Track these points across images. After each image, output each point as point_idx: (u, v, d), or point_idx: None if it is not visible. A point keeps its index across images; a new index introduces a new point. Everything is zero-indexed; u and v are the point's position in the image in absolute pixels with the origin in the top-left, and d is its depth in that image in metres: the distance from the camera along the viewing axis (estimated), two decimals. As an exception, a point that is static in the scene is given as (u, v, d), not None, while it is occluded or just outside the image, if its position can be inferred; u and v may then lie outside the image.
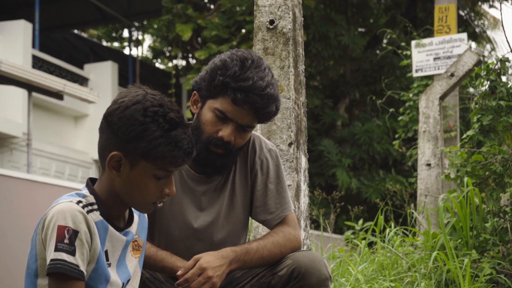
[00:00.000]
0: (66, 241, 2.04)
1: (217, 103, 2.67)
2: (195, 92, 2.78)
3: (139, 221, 2.34)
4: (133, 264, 2.29)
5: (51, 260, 2.04)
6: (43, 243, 2.09)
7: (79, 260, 2.06)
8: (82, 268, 2.06)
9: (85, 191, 2.20)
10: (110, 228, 2.18)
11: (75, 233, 2.06)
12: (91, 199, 2.17)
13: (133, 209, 2.31)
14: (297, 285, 2.60)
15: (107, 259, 2.18)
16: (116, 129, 2.14)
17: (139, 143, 2.12)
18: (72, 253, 2.05)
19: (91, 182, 2.24)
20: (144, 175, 2.16)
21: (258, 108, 2.64)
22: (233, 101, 2.63)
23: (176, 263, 2.64)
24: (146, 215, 2.38)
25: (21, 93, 13.01)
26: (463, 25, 16.51)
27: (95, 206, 2.16)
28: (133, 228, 2.29)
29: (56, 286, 2.06)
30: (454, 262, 4.11)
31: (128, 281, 2.27)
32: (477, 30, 17.43)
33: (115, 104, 2.17)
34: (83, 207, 2.11)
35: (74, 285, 2.06)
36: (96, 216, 2.15)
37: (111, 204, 2.20)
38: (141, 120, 2.12)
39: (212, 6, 17.94)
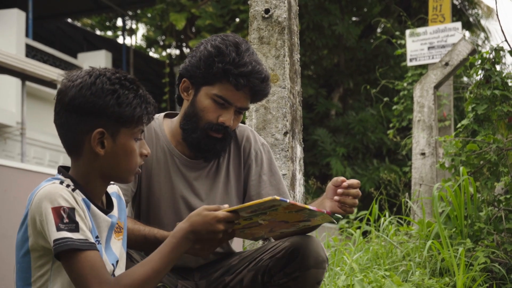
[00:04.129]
0: (65, 220, 2.03)
1: (215, 89, 2.72)
2: (185, 79, 2.79)
3: (117, 204, 2.34)
4: (118, 247, 2.29)
5: (56, 240, 2.01)
6: (42, 232, 2.06)
7: (87, 232, 2.05)
8: (91, 239, 2.06)
9: (60, 176, 2.19)
10: (92, 206, 2.17)
11: (72, 210, 2.05)
12: (69, 182, 2.15)
13: (110, 193, 2.31)
14: (295, 267, 2.62)
15: (97, 236, 2.16)
16: (90, 107, 2.13)
17: (119, 110, 2.13)
18: (75, 229, 2.03)
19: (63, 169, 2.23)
20: (127, 142, 2.17)
21: (257, 90, 2.73)
22: (235, 86, 2.69)
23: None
24: (122, 196, 2.39)
25: (15, 82, 12.95)
26: (457, 14, 16.49)
27: (73, 187, 2.15)
28: (115, 212, 2.29)
29: (71, 263, 2.03)
30: (449, 251, 4.12)
31: (117, 262, 2.26)
32: (471, 19, 17.40)
33: (72, 88, 2.14)
34: (66, 186, 2.11)
35: (88, 255, 2.04)
36: (79, 194, 2.14)
37: (89, 188, 2.18)
38: (112, 88, 2.13)
39: (206, -5, 17.89)
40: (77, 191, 2.14)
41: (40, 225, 2.06)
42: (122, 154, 2.17)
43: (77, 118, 2.14)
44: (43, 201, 2.05)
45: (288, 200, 2.21)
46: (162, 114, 2.93)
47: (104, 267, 2.08)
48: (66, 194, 2.07)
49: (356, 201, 2.58)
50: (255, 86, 2.71)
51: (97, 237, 2.15)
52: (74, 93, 2.13)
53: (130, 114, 2.14)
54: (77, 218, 2.05)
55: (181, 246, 2.17)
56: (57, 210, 2.03)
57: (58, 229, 2.02)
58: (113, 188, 2.36)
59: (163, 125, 2.87)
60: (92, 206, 2.17)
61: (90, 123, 2.14)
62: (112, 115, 2.13)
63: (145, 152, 2.23)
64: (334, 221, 2.48)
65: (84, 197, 2.15)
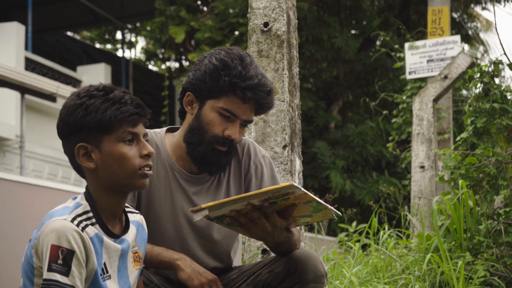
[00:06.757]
0: (59, 261, 2.03)
1: (220, 103, 2.72)
2: (189, 92, 2.79)
3: (137, 233, 2.33)
4: (134, 276, 2.29)
5: (44, 280, 2.03)
6: (40, 260, 2.07)
7: (77, 280, 2.04)
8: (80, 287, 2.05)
9: (81, 197, 2.19)
10: (105, 239, 2.16)
11: (70, 253, 2.04)
12: (86, 206, 2.16)
13: (131, 221, 2.30)
14: (294, 281, 2.62)
15: (106, 271, 2.16)
16: (67, 127, 2.16)
17: (90, 120, 2.14)
18: (66, 273, 2.03)
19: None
20: (113, 148, 2.16)
21: (262, 103, 2.75)
22: (242, 99, 2.69)
23: (173, 256, 2.67)
24: (145, 227, 2.38)
25: (14, 95, 12.96)
26: (456, 27, 16.53)
27: (90, 214, 2.15)
28: (129, 236, 2.27)
29: None
30: (448, 264, 4.11)
31: None
32: (470, 32, 17.45)
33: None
34: (78, 224, 2.09)
35: None
36: (91, 230, 2.13)
37: (101, 205, 2.18)
38: (79, 102, 2.15)
39: (205, 8, 17.93)
40: (90, 226, 2.13)
41: (42, 258, 2.06)
42: (112, 161, 2.16)
43: (64, 142, 2.20)
44: (49, 235, 2.05)
45: (303, 189, 2.25)
46: (164, 128, 2.92)
47: None
48: (72, 235, 2.05)
49: None
50: (261, 99, 2.72)
51: (103, 272, 2.15)
52: (57, 122, 2.20)
53: (101, 119, 2.14)
54: (73, 263, 2.04)
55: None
56: (55, 249, 2.03)
57: (49, 268, 2.02)
58: (135, 217, 2.36)
59: (165, 139, 2.86)
60: (105, 239, 2.16)
61: (73, 142, 2.17)
62: (85, 127, 2.14)
63: (145, 152, 2.19)
64: (335, 217, 2.49)
65: (97, 231, 2.14)
